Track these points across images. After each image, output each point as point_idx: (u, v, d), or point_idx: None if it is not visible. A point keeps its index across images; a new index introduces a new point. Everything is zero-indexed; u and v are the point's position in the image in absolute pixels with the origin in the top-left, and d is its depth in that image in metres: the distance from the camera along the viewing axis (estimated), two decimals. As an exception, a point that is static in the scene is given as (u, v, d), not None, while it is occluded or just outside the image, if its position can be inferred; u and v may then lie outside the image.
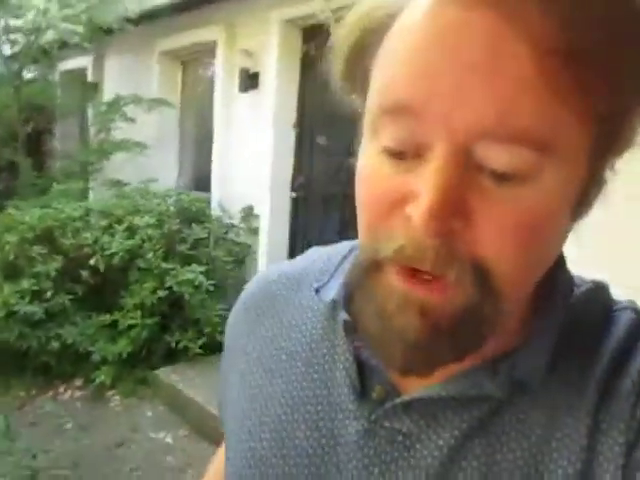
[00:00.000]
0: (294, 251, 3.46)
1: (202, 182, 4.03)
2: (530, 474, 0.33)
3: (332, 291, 0.43)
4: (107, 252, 2.98)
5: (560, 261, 0.38)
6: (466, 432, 0.35)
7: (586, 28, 0.27)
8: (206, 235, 3.35)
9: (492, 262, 0.30)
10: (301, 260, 0.51)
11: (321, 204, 3.38)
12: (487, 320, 0.32)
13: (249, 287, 0.51)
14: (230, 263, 3.39)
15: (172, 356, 3.09)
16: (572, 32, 0.26)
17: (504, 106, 0.27)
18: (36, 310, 2.83)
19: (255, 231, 3.49)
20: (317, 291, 0.44)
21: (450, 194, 0.29)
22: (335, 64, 0.36)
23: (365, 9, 0.33)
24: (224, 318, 3.17)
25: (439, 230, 0.29)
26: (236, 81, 3.57)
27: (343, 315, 0.40)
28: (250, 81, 3.49)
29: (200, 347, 3.05)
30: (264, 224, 3.44)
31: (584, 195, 0.32)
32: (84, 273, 3.01)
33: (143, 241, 3.05)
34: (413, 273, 0.31)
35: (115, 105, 3.88)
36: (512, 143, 0.28)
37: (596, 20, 0.27)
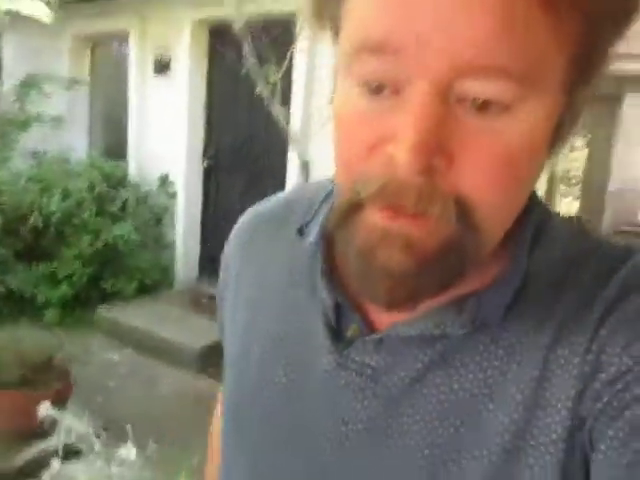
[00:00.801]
0: (207, 210, 4.20)
1: (112, 153, 4.52)
2: (484, 401, 0.36)
3: (314, 230, 0.44)
4: (45, 211, 3.46)
5: (532, 199, 0.38)
6: (427, 365, 0.37)
7: None
8: (130, 197, 3.94)
9: (474, 197, 0.31)
10: (290, 195, 0.52)
11: (227, 171, 4.15)
12: (469, 254, 0.32)
13: (242, 223, 0.53)
14: (151, 221, 4.03)
15: (108, 298, 3.69)
16: None
17: (484, 41, 0.27)
18: (-18, 262, 3.25)
19: (173, 195, 4.15)
20: (300, 231, 0.45)
21: (432, 132, 0.29)
22: (305, 1, 0.35)
23: None
24: (150, 265, 3.90)
25: (422, 168, 0.29)
26: (150, 66, 4.14)
27: (321, 259, 0.42)
28: (163, 67, 4.09)
29: (133, 289, 3.70)
30: (180, 188, 4.12)
31: (560, 128, 0.33)
32: (23, 229, 3.46)
33: (78, 202, 3.58)
34: (395, 210, 0.31)
35: (29, 82, 4.19)
36: (492, 76, 0.28)
37: None
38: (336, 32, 0.34)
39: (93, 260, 3.58)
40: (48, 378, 2.07)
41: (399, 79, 0.30)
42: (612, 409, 0.32)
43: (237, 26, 2.76)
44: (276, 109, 2.81)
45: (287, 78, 2.71)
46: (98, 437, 1.81)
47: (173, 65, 4.07)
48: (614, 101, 4.12)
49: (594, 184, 5.15)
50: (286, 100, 2.93)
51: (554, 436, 0.33)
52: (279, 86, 2.78)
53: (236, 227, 0.53)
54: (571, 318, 0.35)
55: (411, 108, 0.29)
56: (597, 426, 0.32)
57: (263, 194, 0.57)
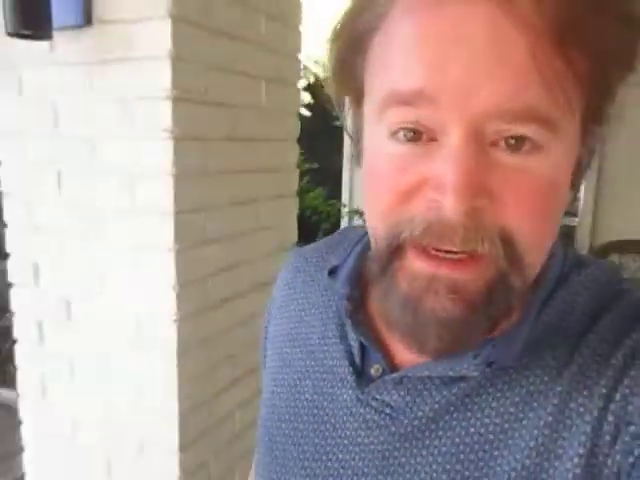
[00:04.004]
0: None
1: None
2: (499, 447, 0.37)
3: (343, 272, 0.47)
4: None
5: (556, 248, 0.40)
6: (445, 406, 0.39)
7: (573, 8, 0.29)
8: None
9: (515, 230, 0.32)
10: (333, 238, 0.56)
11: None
12: (514, 288, 0.34)
13: (288, 263, 0.57)
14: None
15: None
16: (560, 14, 0.29)
17: (510, 89, 0.30)
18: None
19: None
20: (330, 274, 0.48)
21: (472, 175, 0.31)
22: (328, 70, 0.38)
23: (348, 17, 0.36)
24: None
25: (467, 209, 0.31)
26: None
27: (345, 302, 0.45)
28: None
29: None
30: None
31: (580, 164, 0.36)
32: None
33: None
34: (436, 255, 0.33)
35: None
36: (521, 120, 0.30)
37: (582, 4, 0.29)
38: (357, 93, 0.37)
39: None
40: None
41: (434, 126, 0.32)
42: None
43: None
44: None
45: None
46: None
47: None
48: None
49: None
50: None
51: None
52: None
53: (283, 266, 0.58)
54: (591, 365, 0.36)
55: (450, 153, 0.31)
56: None
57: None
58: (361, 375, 0.44)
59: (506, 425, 0.37)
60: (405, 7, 0.32)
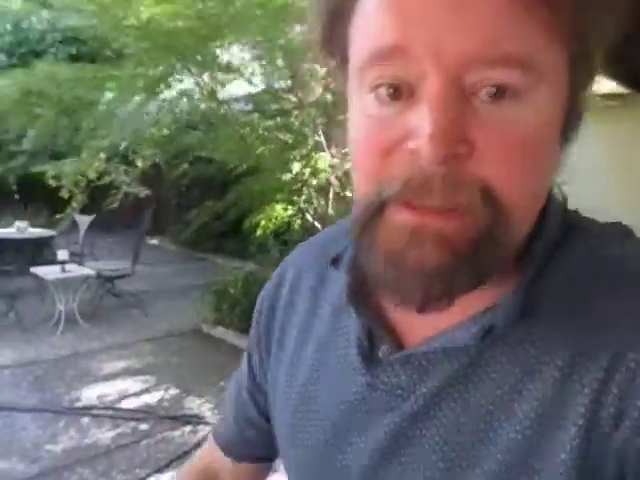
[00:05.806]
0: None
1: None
2: (499, 417, 0.37)
3: (344, 263, 0.46)
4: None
5: (549, 211, 0.39)
6: (447, 380, 0.39)
7: None
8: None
9: (497, 182, 0.32)
10: (332, 231, 0.55)
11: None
12: (500, 241, 0.33)
13: (292, 262, 0.56)
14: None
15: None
16: None
17: (486, 32, 0.30)
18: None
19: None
20: (333, 263, 0.47)
21: (450, 121, 0.31)
22: (314, 33, 0.38)
23: None
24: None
25: (445, 156, 0.30)
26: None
27: (347, 289, 0.44)
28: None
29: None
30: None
31: (568, 117, 0.35)
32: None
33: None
34: (419, 206, 0.32)
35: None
36: (499, 65, 0.30)
37: None
38: (343, 56, 0.37)
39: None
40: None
41: (412, 80, 0.32)
42: None
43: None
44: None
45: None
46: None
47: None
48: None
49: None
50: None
51: (563, 455, 0.34)
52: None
53: (283, 265, 0.57)
54: (592, 337, 0.35)
55: (428, 101, 0.31)
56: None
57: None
58: (370, 360, 0.44)
59: (506, 397, 0.37)
60: None
